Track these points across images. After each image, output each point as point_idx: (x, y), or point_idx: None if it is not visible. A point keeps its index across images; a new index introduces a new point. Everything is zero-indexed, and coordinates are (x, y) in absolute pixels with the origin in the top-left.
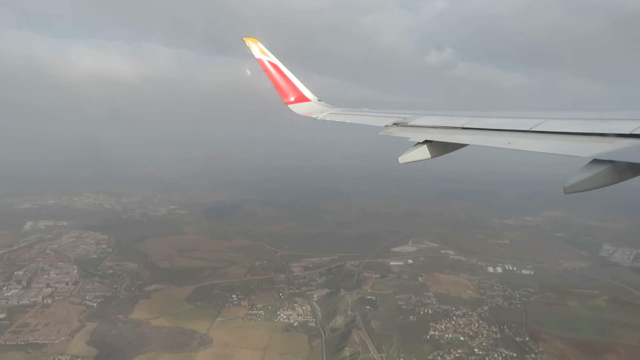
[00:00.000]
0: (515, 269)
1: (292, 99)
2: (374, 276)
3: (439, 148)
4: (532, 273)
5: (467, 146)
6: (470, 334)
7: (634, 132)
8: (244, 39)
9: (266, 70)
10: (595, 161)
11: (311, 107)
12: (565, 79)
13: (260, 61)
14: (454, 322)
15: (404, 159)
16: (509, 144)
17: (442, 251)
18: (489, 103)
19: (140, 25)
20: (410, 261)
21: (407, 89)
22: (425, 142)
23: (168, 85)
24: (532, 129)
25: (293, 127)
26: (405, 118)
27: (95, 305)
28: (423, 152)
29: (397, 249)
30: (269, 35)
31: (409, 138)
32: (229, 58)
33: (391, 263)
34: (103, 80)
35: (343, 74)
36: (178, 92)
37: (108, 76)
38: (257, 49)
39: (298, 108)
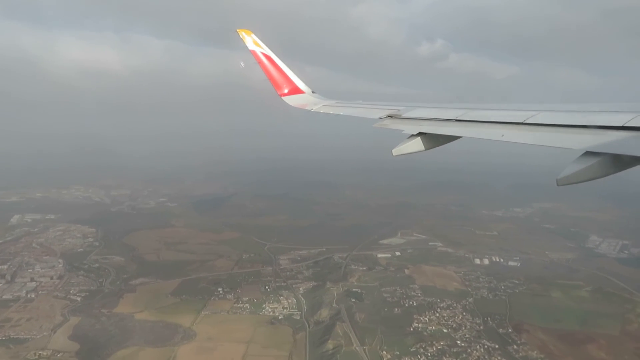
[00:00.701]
0: (502, 260)
1: (285, 90)
2: (361, 269)
3: (432, 140)
4: (519, 265)
5: (460, 138)
6: (454, 326)
7: (627, 125)
8: (238, 30)
9: (260, 62)
10: (588, 153)
11: (305, 99)
12: (558, 70)
13: (253, 53)
14: (437, 315)
15: (398, 151)
16: (502, 136)
17: (430, 243)
18: (481, 94)
19: (128, 16)
20: (397, 253)
21: (399, 80)
22: (419, 134)
23: (158, 77)
24: (525, 121)
25: (286, 119)
26: (399, 110)
27: (79, 299)
28: (417, 144)
29: (385, 241)
30: (260, 26)
31: (403, 130)
32: (220, 50)
33: (379, 255)
34: (91, 72)
35: (335, 66)
36: (168, 83)
37: (96, 67)
38: (251, 41)
39: (292, 100)
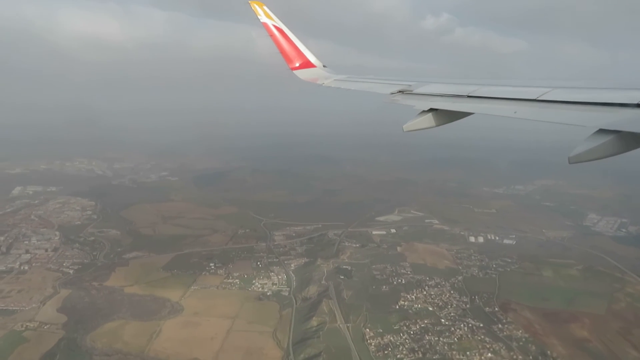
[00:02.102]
0: (497, 238)
1: (297, 64)
2: (354, 245)
3: (444, 116)
4: (514, 243)
5: (472, 114)
6: (440, 304)
7: None
8: (250, 1)
9: (271, 35)
10: (601, 131)
11: (316, 73)
12: (565, 44)
13: (265, 25)
14: (425, 293)
15: (408, 126)
16: (515, 112)
17: (426, 220)
18: (488, 70)
19: None
20: (393, 230)
21: (405, 54)
22: (430, 110)
23: (161, 49)
24: (538, 98)
25: (292, 94)
26: (410, 86)
27: (71, 272)
28: (428, 120)
29: (382, 218)
30: None
31: (414, 106)
32: (222, 22)
33: (373, 232)
34: (94, 43)
35: (340, 39)
36: (171, 56)
37: (99, 39)
38: (263, 13)
39: (303, 74)
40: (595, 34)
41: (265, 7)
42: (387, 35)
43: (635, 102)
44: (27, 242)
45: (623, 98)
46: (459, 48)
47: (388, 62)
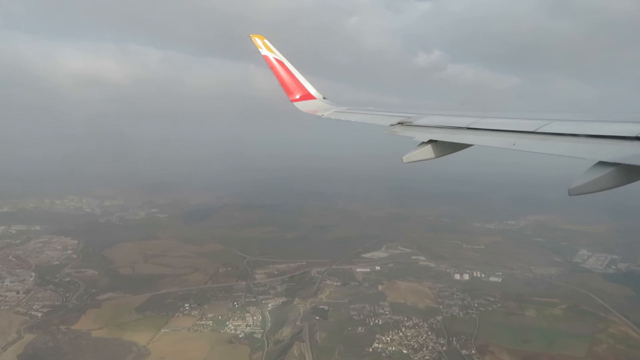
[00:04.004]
0: (483, 275)
1: (297, 96)
2: (335, 284)
3: (443, 148)
4: (500, 280)
5: (472, 146)
6: (415, 346)
7: None
8: (251, 35)
9: (272, 67)
10: (601, 163)
11: (316, 105)
12: (558, 81)
13: (266, 58)
14: (401, 334)
15: (408, 158)
16: (514, 144)
17: (413, 257)
18: (484, 105)
19: (127, 26)
20: (377, 268)
21: (399, 90)
22: (430, 141)
23: (159, 87)
24: (537, 130)
25: (291, 128)
26: (410, 117)
27: (40, 315)
28: (427, 152)
29: (368, 255)
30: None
31: (414, 137)
32: (218, 59)
33: (357, 270)
34: (92, 81)
35: (335, 76)
36: (170, 93)
37: (97, 77)
38: (264, 46)
39: (303, 106)
40: (587, 71)
41: (266, 41)
42: (380, 71)
43: (634, 134)
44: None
45: (623, 130)
46: (452, 84)
47: (383, 97)
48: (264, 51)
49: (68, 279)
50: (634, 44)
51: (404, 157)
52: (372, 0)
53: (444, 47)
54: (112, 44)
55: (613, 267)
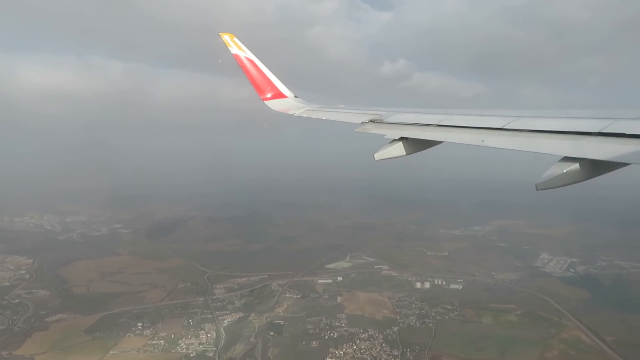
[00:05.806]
0: (444, 283)
1: (268, 95)
2: (295, 297)
3: (414, 145)
4: (460, 287)
5: (442, 143)
6: (368, 359)
7: (604, 131)
8: (220, 34)
9: (242, 66)
10: (567, 158)
11: (288, 103)
12: (522, 87)
13: (236, 56)
14: (355, 347)
15: (379, 155)
16: (482, 141)
17: (376, 266)
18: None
19: (89, 39)
20: (339, 278)
21: (366, 99)
22: (401, 138)
23: (125, 99)
24: (505, 127)
25: (262, 138)
26: (381, 115)
27: None
28: (399, 149)
29: (332, 265)
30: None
31: (385, 135)
32: (179, 71)
33: (319, 281)
34: (55, 95)
35: (301, 86)
36: (136, 105)
37: (60, 91)
38: (234, 44)
39: (275, 104)
40: (548, 77)
41: (235, 39)
42: (345, 82)
43: (597, 130)
44: None
45: (587, 126)
46: (419, 93)
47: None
48: (234, 49)
49: (17, 300)
50: (585, 53)
51: (375, 155)
52: (333, 11)
53: (408, 56)
54: (73, 57)
55: (572, 270)
